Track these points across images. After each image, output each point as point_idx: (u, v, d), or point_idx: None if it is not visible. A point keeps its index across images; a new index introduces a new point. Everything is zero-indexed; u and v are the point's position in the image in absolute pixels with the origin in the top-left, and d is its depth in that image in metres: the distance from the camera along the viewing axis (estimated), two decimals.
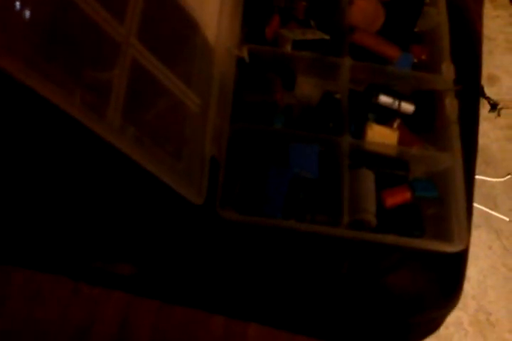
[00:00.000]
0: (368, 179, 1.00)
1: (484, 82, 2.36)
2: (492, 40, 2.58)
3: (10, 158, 0.93)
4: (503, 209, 2.24)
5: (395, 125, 1.08)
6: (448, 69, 1.13)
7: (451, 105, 1.09)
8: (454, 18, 1.20)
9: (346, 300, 0.99)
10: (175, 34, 0.97)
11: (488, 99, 2.36)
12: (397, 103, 1.09)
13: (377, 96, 1.08)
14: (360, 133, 1.05)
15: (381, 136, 1.05)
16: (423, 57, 1.18)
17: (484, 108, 2.32)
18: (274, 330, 0.86)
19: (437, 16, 1.18)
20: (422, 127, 1.11)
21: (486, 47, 2.45)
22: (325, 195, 0.99)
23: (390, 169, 1.04)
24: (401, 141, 1.06)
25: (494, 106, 2.38)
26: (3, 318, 0.77)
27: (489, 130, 2.39)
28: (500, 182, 2.28)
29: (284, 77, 1.11)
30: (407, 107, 1.10)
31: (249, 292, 0.94)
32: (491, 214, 2.21)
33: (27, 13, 0.64)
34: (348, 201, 0.96)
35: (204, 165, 0.93)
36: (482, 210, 2.19)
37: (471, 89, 1.26)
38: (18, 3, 0.62)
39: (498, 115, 2.40)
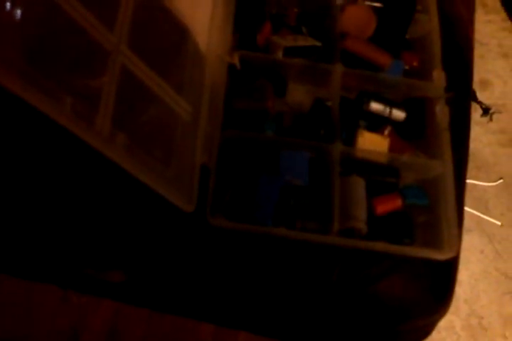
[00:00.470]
0: (359, 186, 1.01)
1: (476, 86, 2.38)
2: (484, 44, 2.59)
3: None
4: (494, 214, 2.25)
5: (386, 132, 1.08)
6: (439, 77, 1.13)
7: (442, 112, 1.10)
8: (445, 25, 1.20)
9: (336, 307, 0.99)
10: (166, 42, 0.97)
11: (480, 103, 2.37)
12: (388, 110, 1.09)
13: (368, 103, 1.08)
14: (351, 141, 1.05)
15: (372, 143, 1.05)
16: (414, 64, 1.18)
17: (476, 112, 2.33)
18: (265, 339, 0.85)
19: (429, 23, 1.18)
20: (412, 134, 1.11)
21: (478, 51, 2.46)
22: (315, 202, 0.99)
23: (380, 176, 1.04)
24: (392, 148, 1.07)
25: (486, 111, 2.39)
26: None
27: (481, 134, 2.40)
28: (492, 186, 2.29)
29: (276, 83, 1.11)
30: (398, 114, 1.10)
31: (239, 300, 0.94)
32: (482, 219, 2.22)
33: (15, 21, 0.64)
34: (338, 208, 0.96)
35: (194, 173, 0.93)
36: (474, 214, 2.20)
37: (462, 95, 1.26)
38: (6, 10, 0.61)
39: (491, 120, 2.41)
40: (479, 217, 2.21)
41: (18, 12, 0.64)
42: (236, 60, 1.06)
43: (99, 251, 0.93)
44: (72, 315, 0.80)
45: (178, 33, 1.00)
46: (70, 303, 0.80)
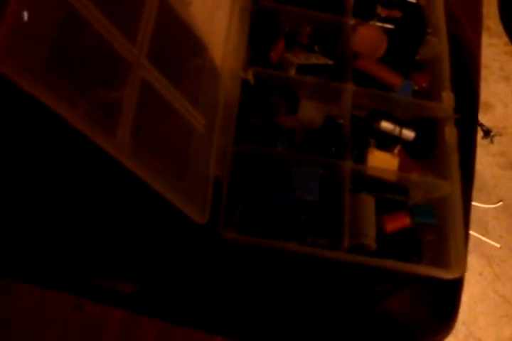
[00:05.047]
0: (369, 203, 1.01)
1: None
2: (486, 67, 2.63)
3: (17, 172, 0.94)
4: (494, 236, 2.26)
5: (396, 151, 1.09)
6: (448, 98, 1.15)
7: (451, 133, 1.11)
8: (453, 47, 1.23)
9: (343, 323, 0.99)
10: (183, 55, 0.98)
11: (481, 125, 2.39)
12: (398, 129, 1.10)
13: (379, 122, 1.09)
14: (361, 158, 1.06)
15: (382, 162, 1.06)
16: (424, 84, 1.20)
17: (477, 134, 2.35)
18: None
19: (439, 46, 1.20)
20: (421, 154, 1.12)
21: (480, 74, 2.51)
22: (326, 218, 0.99)
23: (390, 194, 1.05)
24: (401, 167, 1.08)
25: (487, 133, 2.41)
26: (3, 332, 0.77)
27: (482, 156, 2.42)
28: (491, 208, 2.30)
29: (288, 100, 1.12)
30: (408, 134, 1.11)
31: (249, 313, 0.94)
32: (482, 240, 2.23)
33: (39, 28, 0.65)
34: (348, 225, 0.97)
35: (208, 186, 0.94)
36: (473, 236, 2.20)
37: (468, 118, 1.28)
38: (27, 16, 0.62)
39: (491, 142, 2.43)
40: (478, 238, 2.22)
41: (41, 21, 0.65)
42: (250, 76, 1.08)
43: (111, 261, 0.93)
44: (85, 324, 0.80)
45: (195, 47, 1.01)
46: (83, 312, 0.80)
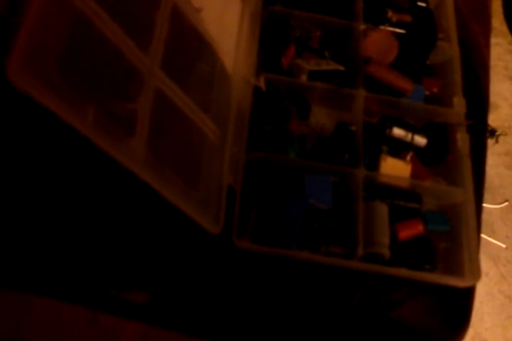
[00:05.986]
0: (382, 211, 1.01)
1: None
2: (491, 67, 2.61)
3: (30, 181, 0.94)
4: (500, 236, 2.25)
5: (408, 158, 1.08)
6: (459, 103, 1.14)
7: (462, 139, 1.10)
8: (463, 51, 1.22)
9: (355, 332, 0.99)
10: (194, 62, 0.97)
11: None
12: (410, 136, 1.09)
13: (391, 128, 1.09)
14: (374, 165, 1.05)
15: (394, 169, 1.05)
16: (435, 90, 1.19)
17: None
18: None
19: (449, 50, 1.20)
20: (434, 160, 1.12)
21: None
22: (339, 227, 0.99)
23: (403, 201, 1.04)
24: (413, 174, 1.07)
25: (492, 133, 2.40)
26: None
27: (487, 156, 2.40)
28: (497, 208, 2.29)
29: (299, 106, 1.11)
30: (420, 140, 1.10)
31: (263, 321, 0.94)
32: (488, 241, 2.22)
33: (51, 39, 0.64)
34: (362, 233, 0.96)
35: (222, 195, 0.93)
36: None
37: (477, 123, 1.27)
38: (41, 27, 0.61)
39: (496, 142, 2.42)
40: (484, 239, 2.21)
41: (53, 29, 0.64)
42: (262, 83, 1.07)
43: (123, 270, 0.92)
44: (100, 338, 0.79)
45: (206, 54, 1.01)
46: (98, 325, 0.80)
